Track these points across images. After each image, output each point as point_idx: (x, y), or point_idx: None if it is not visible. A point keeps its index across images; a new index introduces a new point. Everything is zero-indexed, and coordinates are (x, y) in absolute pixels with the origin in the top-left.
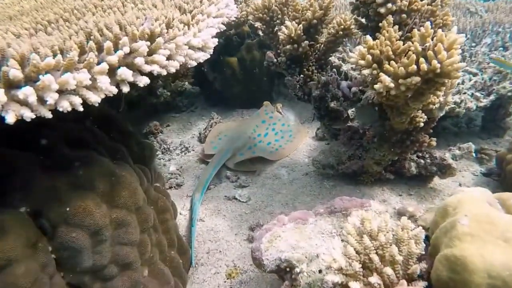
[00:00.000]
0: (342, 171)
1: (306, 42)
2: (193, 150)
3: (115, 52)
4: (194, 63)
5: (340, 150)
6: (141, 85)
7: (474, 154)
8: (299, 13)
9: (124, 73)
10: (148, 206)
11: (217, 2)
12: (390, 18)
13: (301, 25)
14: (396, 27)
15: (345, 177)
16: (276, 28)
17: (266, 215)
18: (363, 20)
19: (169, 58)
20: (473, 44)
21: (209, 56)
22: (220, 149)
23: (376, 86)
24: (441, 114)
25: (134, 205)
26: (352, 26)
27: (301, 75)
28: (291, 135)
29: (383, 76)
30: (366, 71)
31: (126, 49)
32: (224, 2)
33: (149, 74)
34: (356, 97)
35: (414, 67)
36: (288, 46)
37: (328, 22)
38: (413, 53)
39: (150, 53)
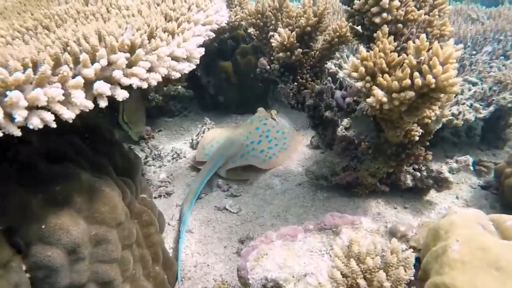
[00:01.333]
0: (336, 182)
1: (299, 50)
2: (185, 157)
3: (92, 64)
4: (178, 75)
5: (334, 161)
6: (120, 99)
7: (471, 167)
8: (293, 20)
9: (101, 87)
10: (132, 221)
11: (206, 9)
12: (385, 28)
13: (294, 33)
14: (392, 37)
15: (339, 188)
16: (270, 34)
17: (256, 227)
18: (359, 28)
19: (150, 70)
20: (474, 52)
21: (194, 67)
22: (212, 157)
23: (368, 100)
24: (438, 127)
25: (114, 221)
26: (348, 34)
27: (295, 83)
28: (285, 143)
29: (376, 90)
30: (359, 84)
31: (104, 62)
32: (214, 9)
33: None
34: (350, 107)
35: (408, 81)
36: (281, 54)
37: (323, 30)
38: (407, 66)
39: (130, 65)
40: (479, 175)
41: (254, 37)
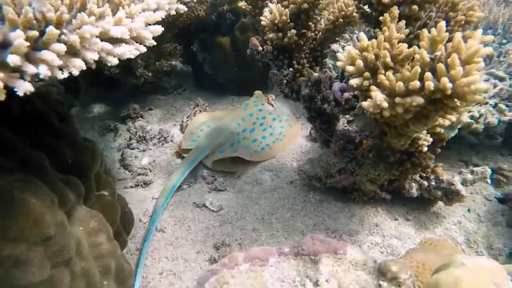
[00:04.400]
0: (330, 185)
1: (293, 31)
2: (172, 141)
3: None
4: (115, 61)
5: (330, 161)
6: (21, 94)
7: (489, 180)
8: None
9: None
10: (74, 229)
11: None
12: (395, 10)
13: (287, 10)
14: (403, 22)
15: (334, 191)
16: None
17: (236, 230)
18: (366, 8)
19: (69, 54)
20: (504, 41)
21: (143, 51)
22: (197, 145)
23: (364, 104)
24: (452, 135)
25: (39, 236)
26: (355, 14)
27: (290, 69)
28: (281, 132)
29: (375, 92)
30: (355, 81)
31: None
32: None
33: None
34: (349, 104)
35: (417, 83)
36: (271, 35)
37: (323, 8)
38: (418, 63)
39: (36, 47)
40: (496, 186)
41: (247, 12)
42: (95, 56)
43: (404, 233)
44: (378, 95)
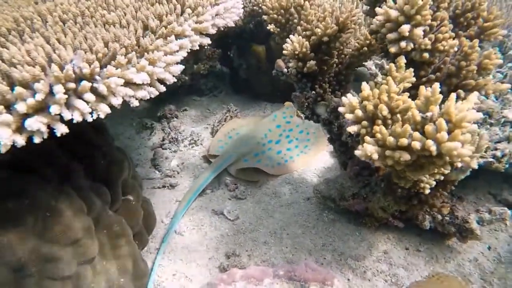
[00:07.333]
0: (343, 207)
1: (312, 62)
2: (201, 144)
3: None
4: (136, 103)
5: (345, 184)
6: (58, 134)
7: (509, 221)
8: (311, 25)
9: (31, 125)
10: (100, 232)
11: (203, 12)
12: (401, 60)
13: (307, 43)
14: (410, 71)
15: (349, 212)
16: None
17: (248, 241)
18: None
19: (97, 100)
20: None
21: (162, 90)
22: (224, 152)
23: (356, 152)
24: (463, 177)
25: (68, 239)
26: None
27: (313, 92)
28: (306, 145)
29: (366, 145)
30: (353, 128)
31: (41, 96)
32: (216, 10)
33: None
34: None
35: (405, 141)
36: (291, 64)
37: (344, 41)
38: (409, 120)
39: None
40: None
41: (275, 35)
42: (120, 101)
43: (412, 263)
44: (368, 147)
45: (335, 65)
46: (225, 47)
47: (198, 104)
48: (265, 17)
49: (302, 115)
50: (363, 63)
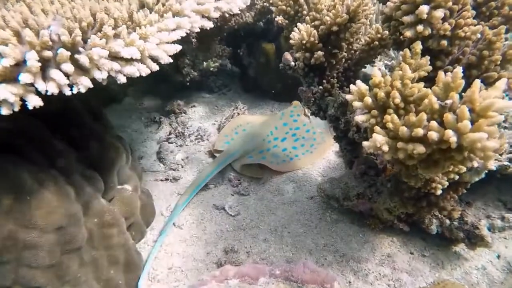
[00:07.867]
0: (347, 207)
1: (320, 53)
2: (208, 140)
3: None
4: (124, 79)
5: (350, 184)
6: (31, 106)
7: None
8: (321, 14)
9: (3, 95)
10: (82, 223)
11: None
12: (418, 45)
13: (315, 32)
14: (426, 59)
15: (353, 212)
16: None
17: (248, 237)
18: (398, 35)
19: (78, 72)
20: None
21: (154, 69)
22: (229, 148)
23: (365, 143)
24: (477, 179)
25: (51, 225)
26: (390, 39)
27: (320, 87)
28: (312, 144)
29: (375, 135)
30: (361, 117)
31: (9, 62)
32: None
33: None
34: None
35: (420, 131)
36: (298, 54)
37: (354, 32)
38: (425, 108)
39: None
40: None
41: (284, 28)
42: (104, 75)
43: (417, 269)
44: (378, 137)
45: (344, 59)
46: (235, 46)
47: (207, 100)
48: (273, 8)
49: (308, 113)
50: (370, 60)
